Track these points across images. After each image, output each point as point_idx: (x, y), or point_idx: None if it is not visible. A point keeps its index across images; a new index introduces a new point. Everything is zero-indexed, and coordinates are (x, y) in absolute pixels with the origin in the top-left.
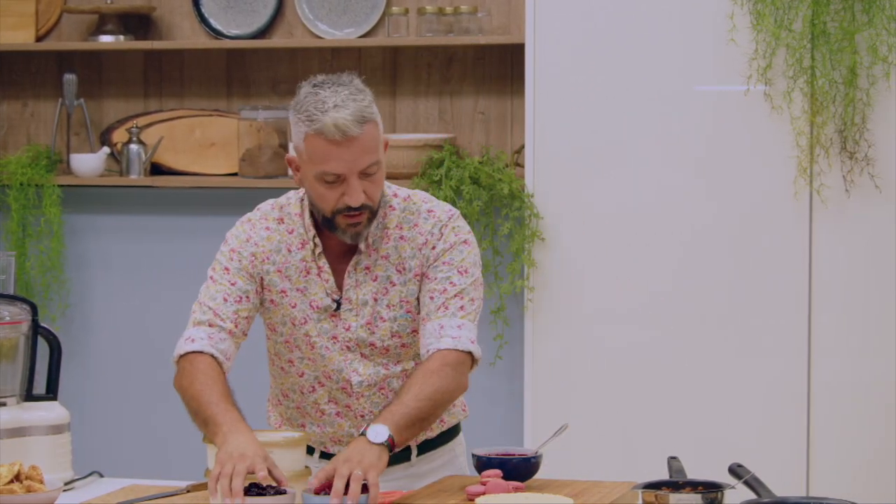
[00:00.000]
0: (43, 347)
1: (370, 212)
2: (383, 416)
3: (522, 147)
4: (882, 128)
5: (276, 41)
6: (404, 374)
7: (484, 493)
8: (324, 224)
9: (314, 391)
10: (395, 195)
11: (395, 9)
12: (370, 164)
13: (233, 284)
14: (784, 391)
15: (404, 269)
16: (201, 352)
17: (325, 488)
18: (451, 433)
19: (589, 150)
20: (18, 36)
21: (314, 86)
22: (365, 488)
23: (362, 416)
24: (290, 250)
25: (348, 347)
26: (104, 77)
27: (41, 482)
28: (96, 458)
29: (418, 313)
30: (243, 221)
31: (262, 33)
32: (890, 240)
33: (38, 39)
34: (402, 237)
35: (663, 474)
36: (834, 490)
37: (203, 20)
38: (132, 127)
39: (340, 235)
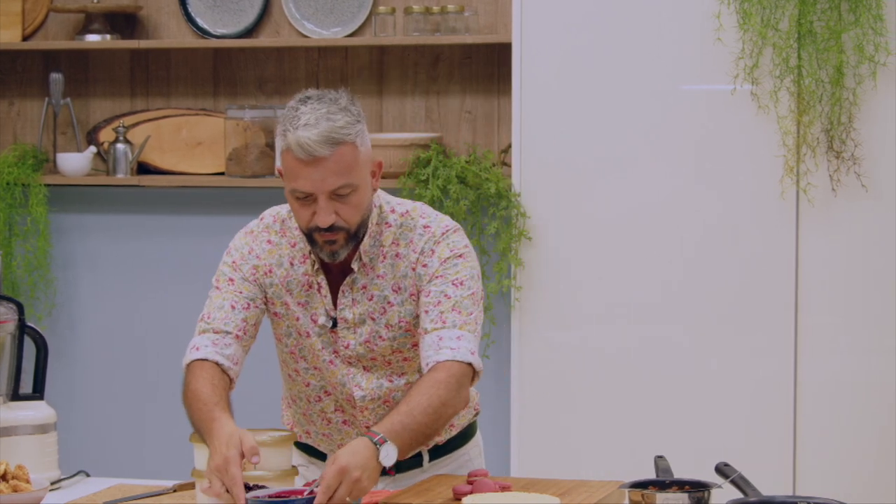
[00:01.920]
0: (29, 347)
1: (346, 232)
2: (393, 430)
3: (509, 146)
4: (868, 127)
5: (263, 40)
6: (408, 386)
7: (471, 493)
8: (307, 239)
9: (320, 400)
10: (393, 211)
11: (381, 8)
12: (339, 186)
13: (239, 293)
14: (771, 390)
15: (400, 288)
16: (205, 359)
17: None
18: (464, 436)
19: (576, 149)
20: (5, 35)
21: (299, 100)
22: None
23: (367, 428)
24: (292, 264)
25: (349, 362)
26: (91, 76)
27: (27, 482)
28: (83, 458)
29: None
30: (246, 233)
31: (249, 32)
32: (876, 239)
33: (25, 38)
34: (397, 254)
35: (650, 473)
36: (820, 489)
37: (190, 19)
38: (119, 126)
39: (319, 252)
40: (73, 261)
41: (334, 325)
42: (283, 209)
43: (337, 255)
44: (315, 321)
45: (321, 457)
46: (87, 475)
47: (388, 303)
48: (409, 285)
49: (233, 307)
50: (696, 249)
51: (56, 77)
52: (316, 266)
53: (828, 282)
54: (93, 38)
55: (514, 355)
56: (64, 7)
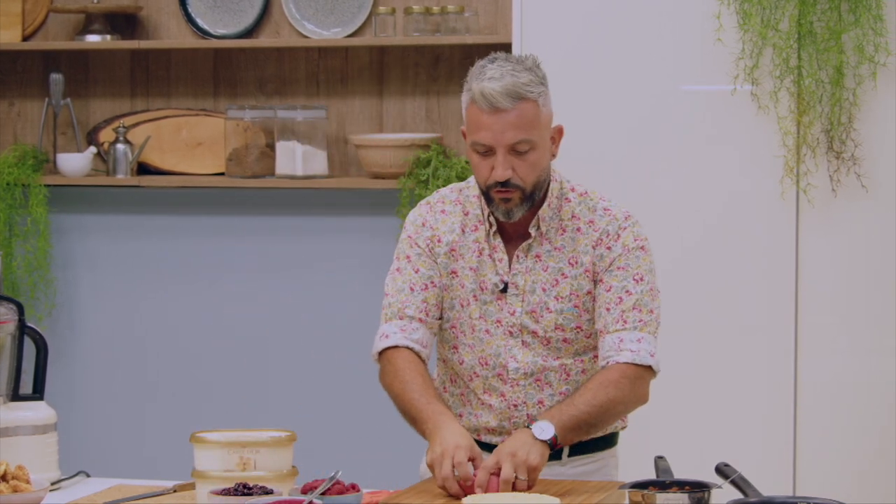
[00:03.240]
0: (29, 347)
1: (522, 192)
2: (551, 413)
3: None
4: (868, 127)
5: (263, 41)
6: (562, 368)
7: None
8: (484, 198)
9: (472, 380)
10: (573, 189)
11: (381, 8)
12: (518, 140)
13: (416, 272)
14: (771, 391)
15: (577, 262)
16: (397, 346)
17: (309, 489)
18: (608, 441)
19: (575, 149)
20: (5, 35)
21: (488, 59)
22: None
23: (515, 406)
24: (464, 231)
25: (511, 332)
26: (91, 76)
27: (28, 482)
28: (83, 458)
29: (585, 310)
30: (421, 205)
31: (249, 33)
32: (876, 239)
33: (25, 39)
34: (578, 229)
35: (650, 474)
36: (820, 489)
37: (190, 20)
38: (119, 126)
39: (495, 211)
40: (73, 261)
41: (504, 288)
42: (461, 183)
43: (512, 214)
44: (483, 287)
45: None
46: (88, 475)
47: (563, 275)
48: (587, 261)
49: (412, 289)
50: (696, 250)
51: (56, 77)
52: (493, 230)
53: (828, 282)
54: (93, 39)
55: None
56: (64, 7)
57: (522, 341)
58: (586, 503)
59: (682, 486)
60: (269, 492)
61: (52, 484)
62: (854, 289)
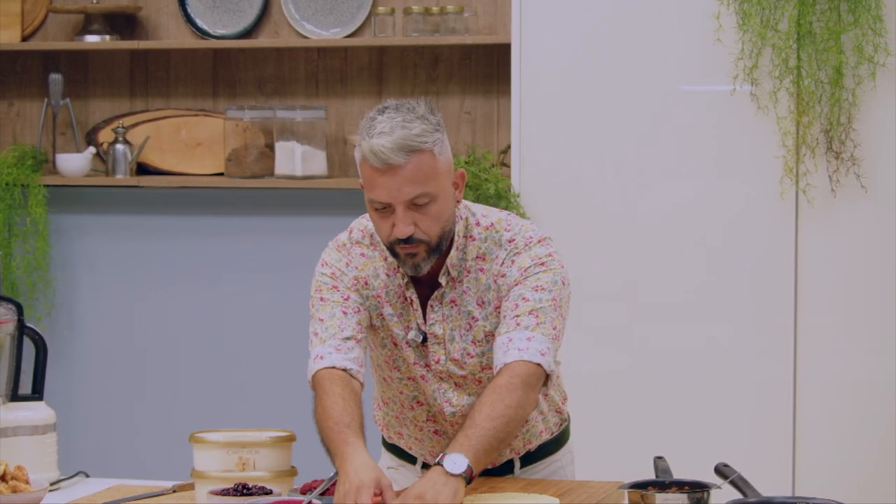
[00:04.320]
0: (29, 347)
1: (427, 245)
2: (460, 443)
3: (509, 147)
4: (868, 128)
5: (263, 41)
6: None
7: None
8: (390, 253)
9: (413, 409)
10: (478, 224)
11: (381, 9)
12: (416, 195)
13: (346, 299)
14: (770, 391)
15: (484, 302)
16: (332, 367)
17: (309, 489)
18: (557, 442)
19: (575, 150)
20: (4, 35)
21: (377, 111)
22: None
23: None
24: (388, 275)
25: (441, 377)
26: (90, 77)
27: (27, 482)
28: (82, 458)
29: None
30: (338, 247)
31: (249, 33)
32: (876, 240)
33: (24, 39)
34: (481, 269)
35: (649, 474)
36: (820, 489)
37: (189, 20)
38: (118, 127)
39: (402, 267)
40: (72, 261)
41: (424, 339)
42: (370, 223)
43: (419, 269)
44: (408, 335)
45: (411, 460)
46: (87, 476)
47: (473, 318)
48: (493, 298)
49: (344, 312)
50: (696, 250)
51: (55, 77)
52: (406, 279)
53: (827, 282)
54: (92, 39)
55: None
56: (63, 8)
57: (455, 383)
58: (585, 503)
59: (681, 486)
60: (268, 492)
61: (52, 484)
62: (854, 289)
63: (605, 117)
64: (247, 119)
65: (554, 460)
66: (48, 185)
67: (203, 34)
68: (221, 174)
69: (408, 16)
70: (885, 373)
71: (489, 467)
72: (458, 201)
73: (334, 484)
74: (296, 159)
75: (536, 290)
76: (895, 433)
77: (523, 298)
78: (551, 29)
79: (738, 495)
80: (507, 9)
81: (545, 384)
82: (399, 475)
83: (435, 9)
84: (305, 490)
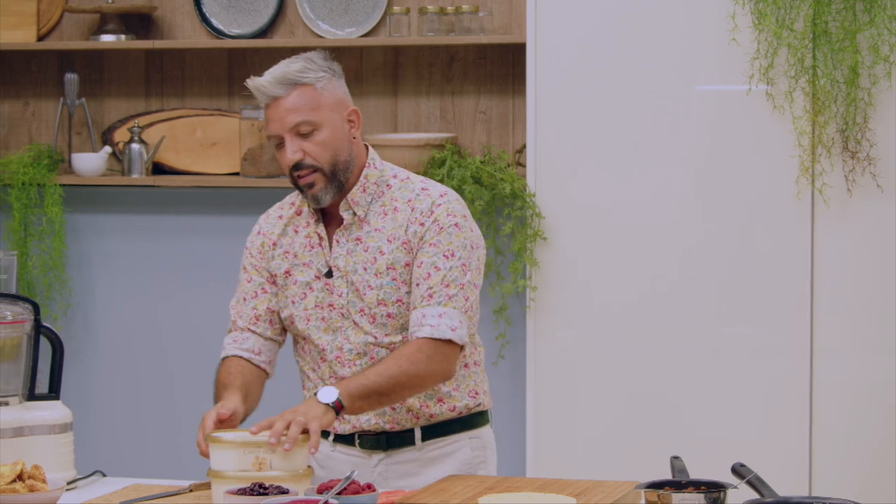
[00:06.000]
0: (45, 347)
1: (321, 173)
2: (338, 382)
3: (524, 146)
4: (884, 127)
5: (278, 41)
6: (391, 346)
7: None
8: (296, 188)
9: (319, 366)
10: (395, 176)
11: (396, 8)
12: (297, 122)
13: (249, 282)
14: (786, 391)
15: (394, 238)
16: (228, 356)
17: (325, 489)
18: (462, 423)
19: (590, 149)
20: (20, 35)
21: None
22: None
23: None
24: (296, 231)
25: (343, 314)
26: (105, 76)
27: (44, 482)
28: (99, 458)
29: (403, 282)
30: (262, 216)
31: (264, 33)
32: (892, 239)
33: (40, 39)
34: (395, 209)
35: (666, 474)
36: (836, 489)
37: (204, 19)
38: (133, 126)
39: (305, 199)
40: (88, 261)
41: (329, 273)
42: None
43: (319, 199)
44: (319, 276)
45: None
46: (103, 475)
47: (381, 252)
48: (401, 234)
49: (244, 299)
50: (712, 249)
51: (71, 77)
52: (317, 218)
53: (843, 282)
54: (108, 39)
55: (529, 355)
56: (79, 7)
57: (353, 321)
58: (602, 503)
59: (697, 486)
60: (284, 492)
61: (68, 483)
62: (870, 288)
63: (620, 117)
64: (262, 119)
65: (456, 439)
66: (64, 185)
67: (218, 34)
68: (237, 174)
69: (423, 15)
70: None
71: (388, 430)
72: (354, 137)
73: (351, 484)
74: None
75: (448, 258)
76: None
77: (435, 267)
78: (566, 29)
79: (754, 495)
80: (522, 8)
81: (456, 355)
82: (354, 465)
83: (450, 8)
84: (322, 490)
